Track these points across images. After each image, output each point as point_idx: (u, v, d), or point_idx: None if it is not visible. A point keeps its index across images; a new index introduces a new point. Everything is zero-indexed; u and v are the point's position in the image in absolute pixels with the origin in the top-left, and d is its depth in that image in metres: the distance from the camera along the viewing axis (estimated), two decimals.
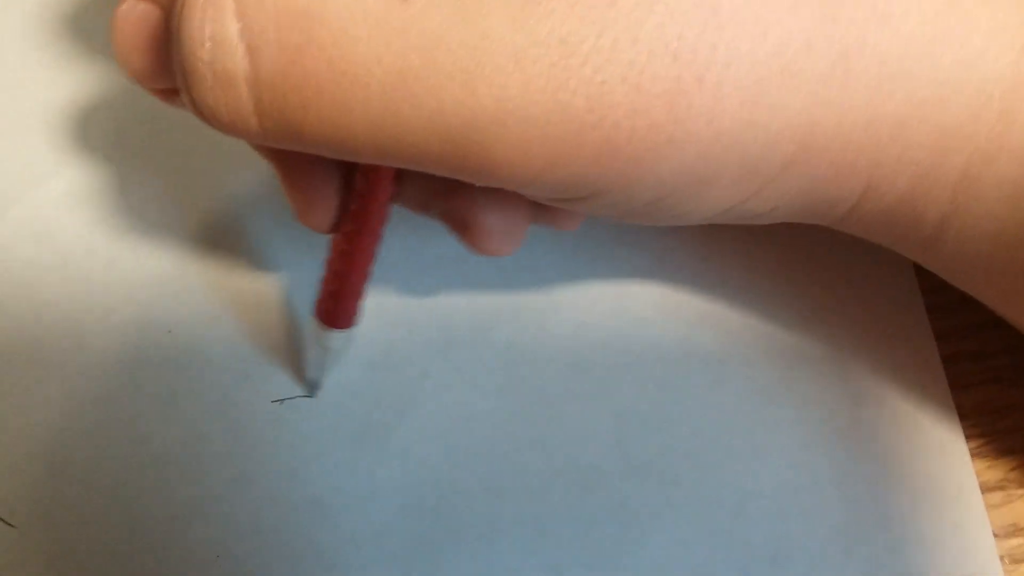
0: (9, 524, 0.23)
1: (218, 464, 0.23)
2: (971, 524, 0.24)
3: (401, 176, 0.21)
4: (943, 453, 0.24)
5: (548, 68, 0.15)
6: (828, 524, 0.24)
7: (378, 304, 0.25)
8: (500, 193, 0.20)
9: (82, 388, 0.24)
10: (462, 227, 0.21)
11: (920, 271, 0.26)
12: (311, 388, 0.24)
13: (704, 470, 0.24)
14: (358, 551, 0.23)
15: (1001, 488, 0.24)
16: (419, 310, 0.25)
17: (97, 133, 0.26)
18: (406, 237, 0.26)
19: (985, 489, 0.24)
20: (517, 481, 0.24)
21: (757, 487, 0.24)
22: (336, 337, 0.22)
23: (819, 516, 0.24)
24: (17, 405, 0.24)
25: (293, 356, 0.24)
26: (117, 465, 0.23)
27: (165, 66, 0.17)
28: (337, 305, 0.22)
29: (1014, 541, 0.24)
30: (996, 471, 0.24)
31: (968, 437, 0.25)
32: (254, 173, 0.26)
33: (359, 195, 0.20)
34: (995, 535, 0.24)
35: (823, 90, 0.17)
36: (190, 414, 0.24)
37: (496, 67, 0.15)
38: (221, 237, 0.25)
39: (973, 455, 0.24)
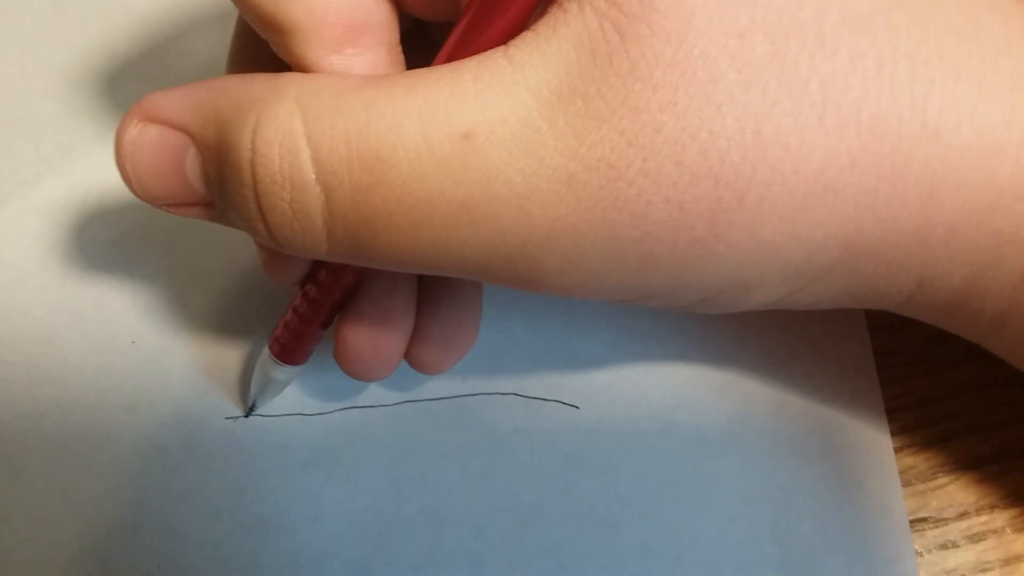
0: None
1: (170, 476, 0.24)
2: None
3: None
4: (883, 517, 0.25)
5: (597, 191, 0.16)
6: None
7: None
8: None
9: (46, 392, 0.24)
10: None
11: (874, 331, 0.27)
12: (248, 409, 0.25)
13: (645, 517, 0.24)
14: (298, 571, 0.23)
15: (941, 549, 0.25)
16: None
17: (83, 143, 0.27)
18: None
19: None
20: (459, 513, 0.24)
21: (695, 538, 0.24)
22: (285, 371, 0.23)
23: (755, 571, 0.24)
24: None
25: (244, 376, 0.25)
26: (71, 468, 0.24)
27: (188, 188, 0.18)
28: (295, 345, 0.22)
29: None
30: (936, 539, 0.25)
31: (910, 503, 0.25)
32: None
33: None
34: None
35: (869, 202, 0.17)
36: (148, 425, 0.24)
37: (550, 191, 0.16)
38: (191, 254, 0.26)
39: (912, 521, 0.25)
